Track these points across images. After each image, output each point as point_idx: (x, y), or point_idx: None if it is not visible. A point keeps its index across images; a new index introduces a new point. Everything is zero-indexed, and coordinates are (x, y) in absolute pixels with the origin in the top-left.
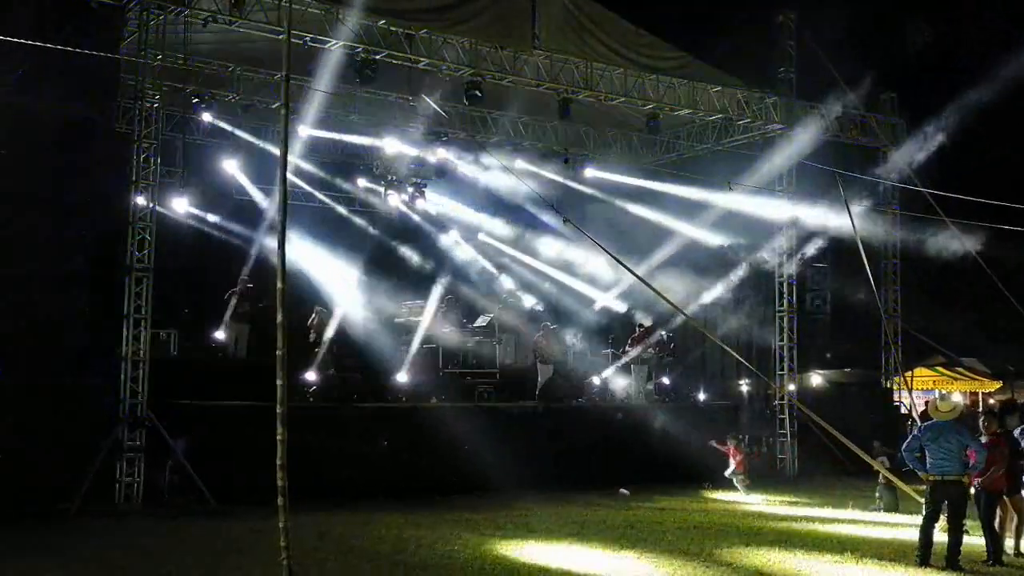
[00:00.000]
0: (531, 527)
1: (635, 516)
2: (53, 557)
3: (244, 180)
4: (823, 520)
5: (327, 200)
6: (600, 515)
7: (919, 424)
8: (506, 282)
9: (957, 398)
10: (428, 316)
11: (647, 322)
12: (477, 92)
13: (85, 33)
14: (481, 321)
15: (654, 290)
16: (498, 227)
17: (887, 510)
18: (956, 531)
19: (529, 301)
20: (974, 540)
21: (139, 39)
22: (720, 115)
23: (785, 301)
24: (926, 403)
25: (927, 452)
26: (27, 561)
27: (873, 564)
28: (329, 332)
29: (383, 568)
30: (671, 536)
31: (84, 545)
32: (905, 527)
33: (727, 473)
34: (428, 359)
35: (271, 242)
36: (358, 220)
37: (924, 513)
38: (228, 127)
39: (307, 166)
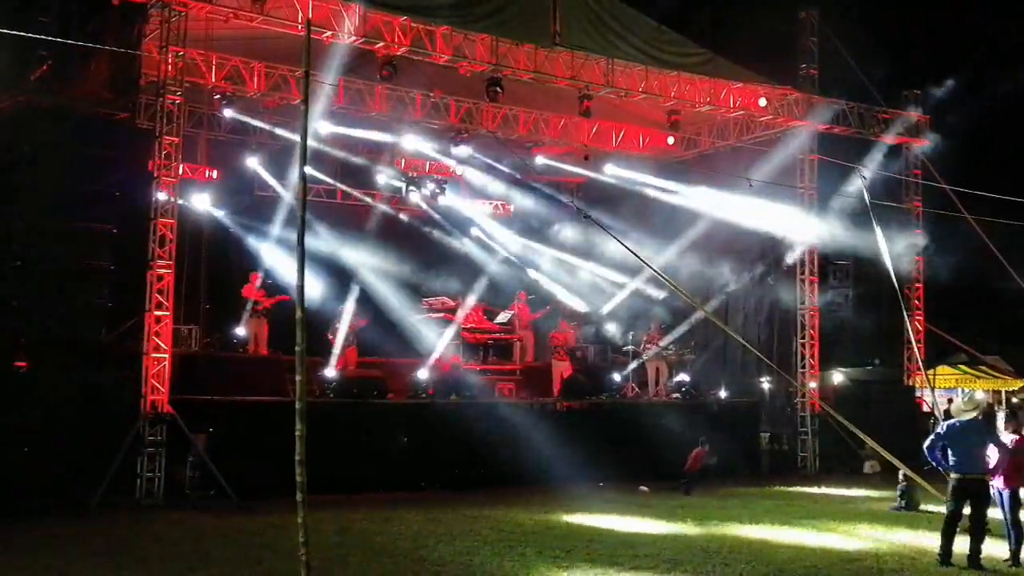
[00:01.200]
0: (552, 520)
1: (654, 511)
2: (76, 550)
3: (267, 175)
4: (844, 516)
5: (350, 191)
6: (621, 510)
7: (942, 422)
8: (528, 278)
9: (980, 396)
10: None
11: (662, 322)
12: (498, 88)
13: (107, 30)
14: (502, 317)
15: (672, 285)
16: (518, 222)
17: (908, 508)
18: (979, 530)
19: (552, 296)
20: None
21: (161, 35)
22: (742, 111)
23: (807, 298)
24: (949, 401)
25: (949, 451)
26: (50, 553)
27: (893, 562)
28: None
29: (403, 564)
30: (692, 521)
31: (106, 538)
32: (926, 525)
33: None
34: (449, 355)
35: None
36: (379, 217)
37: (946, 512)
38: (249, 123)
39: (329, 160)
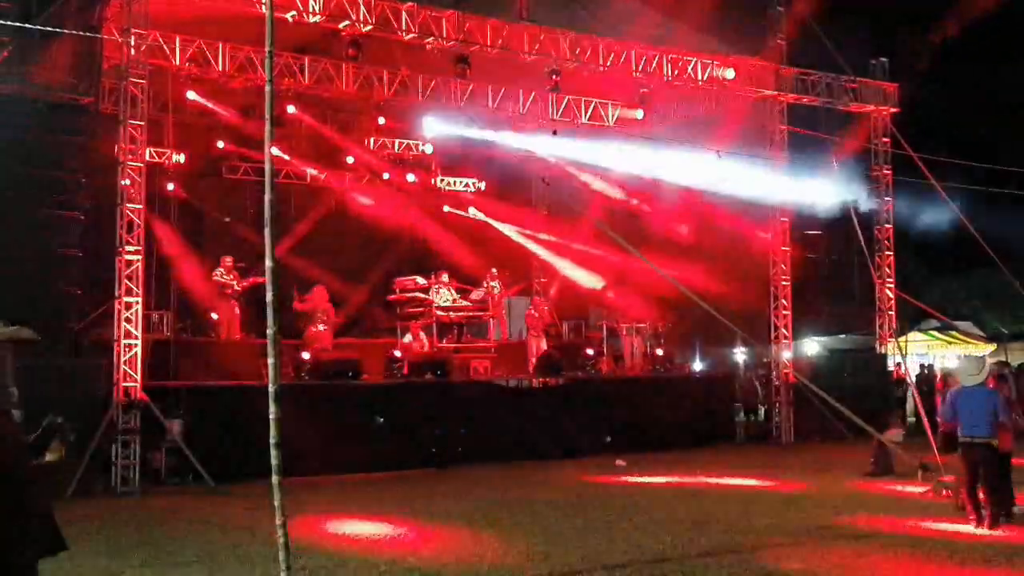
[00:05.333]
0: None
1: (634, 487)
2: None
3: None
4: (820, 484)
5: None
6: (597, 485)
7: (912, 389)
8: (499, 255)
9: (986, 360)
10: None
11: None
12: (465, 65)
13: (69, 13)
14: (476, 295)
15: (649, 263)
16: (488, 199)
17: (882, 473)
18: (992, 491)
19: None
20: None
21: (123, 18)
22: (710, 83)
23: (779, 268)
24: (921, 366)
25: (959, 415)
26: None
27: (869, 528)
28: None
29: (383, 545)
30: (669, 506)
31: (82, 526)
32: (900, 490)
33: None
34: (427, 335)
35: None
36: (347, 196)
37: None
38: (215, 105)
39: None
